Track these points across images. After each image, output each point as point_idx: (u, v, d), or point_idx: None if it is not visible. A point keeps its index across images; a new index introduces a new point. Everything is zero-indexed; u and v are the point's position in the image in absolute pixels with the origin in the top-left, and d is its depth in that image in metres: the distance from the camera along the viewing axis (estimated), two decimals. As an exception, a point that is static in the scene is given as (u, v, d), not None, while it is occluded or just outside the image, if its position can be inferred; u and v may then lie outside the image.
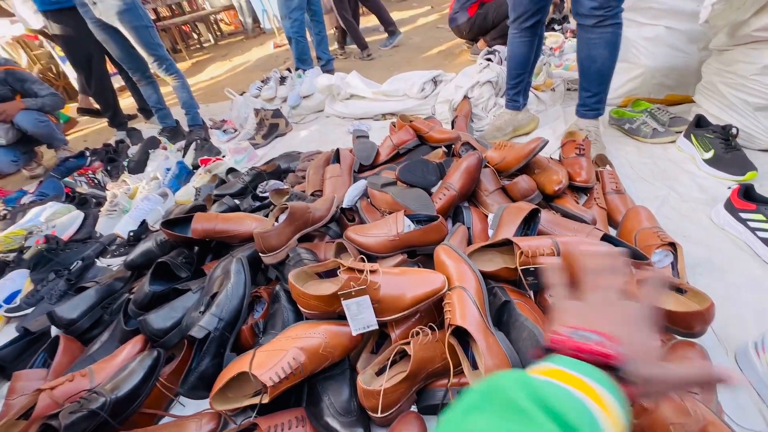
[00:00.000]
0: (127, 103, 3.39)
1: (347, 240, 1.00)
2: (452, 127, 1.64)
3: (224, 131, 2.37)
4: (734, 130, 1.16)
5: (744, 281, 0.84)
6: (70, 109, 3.56)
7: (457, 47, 3.14)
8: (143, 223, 1.48)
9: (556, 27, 2.57)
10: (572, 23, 2.46)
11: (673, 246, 0.83)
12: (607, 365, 0.31)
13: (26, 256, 1.42)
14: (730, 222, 0.96)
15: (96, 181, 2.11)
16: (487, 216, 1.04)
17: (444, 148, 1.36)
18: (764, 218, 0.89)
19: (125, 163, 2.19)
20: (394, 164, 1.40)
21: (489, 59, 1.91)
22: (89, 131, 3.50)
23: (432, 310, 0.81)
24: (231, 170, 1.69)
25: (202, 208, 1.32)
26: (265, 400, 0.69)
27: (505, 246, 0.84)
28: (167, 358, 0.87)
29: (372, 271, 0.75)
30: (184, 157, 2.12)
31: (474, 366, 0.69)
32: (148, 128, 2.89)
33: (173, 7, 6.17)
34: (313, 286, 0.83)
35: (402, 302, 0.74)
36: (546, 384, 0.29)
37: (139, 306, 0.97)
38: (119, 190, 1.82)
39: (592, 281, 0.40)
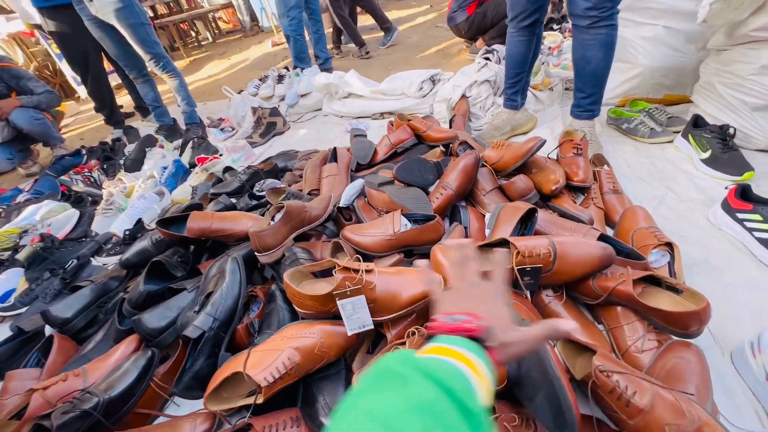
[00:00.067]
0: (124, 101, 3.38)
1: (344, 239, 0.99)
2: (450, 126, 1.64)
3: (222, 129, 2.36)
4: (732, 130, 1.16)
5: (741, 281, 0.84)
6: (67, 107, 3.55)
7: (456, 46, 3.13)
8: (139, 221, 1.48)
9: (555, 26, 2.57)
10: (571, 23, 2.46)
11: (670, 246, 0.83)
12: (475, 337, 0.38)
13: (21, 254, 1.41)
14: (727, 222, 0.96)
15: (92, 180, 2.09)
16: (484, 215, 1.04)
17: (442, 147, 1.36)
18: (761, 218, 0.89)
19: (122, 162, 2.18)
20: (391, 163, 1.39)
21: (487, 58, 1.90)
22: (86, 129, 3.48)
23: (428, 310, 0.80)
24: (228, 169, 1.68)
25: (198, 207, 1.31)
26: (260, 400, 0.69)
27: (502, 246, 0.84)
28: (162, 357, 0.86)
29: (367, 271, 0.74)
30: (181, 155, 2.12)
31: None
32: (145, 126, 2.87)
33: (171, 4, 6.16)
34: (308, 285, 0.82)
35: (398, 302, 0.74)
36: (425, 357, 0.35)
37: (133, 305, 0.97)
38: (115, 188, 1.81)
39: (456, 272, 0.48)
